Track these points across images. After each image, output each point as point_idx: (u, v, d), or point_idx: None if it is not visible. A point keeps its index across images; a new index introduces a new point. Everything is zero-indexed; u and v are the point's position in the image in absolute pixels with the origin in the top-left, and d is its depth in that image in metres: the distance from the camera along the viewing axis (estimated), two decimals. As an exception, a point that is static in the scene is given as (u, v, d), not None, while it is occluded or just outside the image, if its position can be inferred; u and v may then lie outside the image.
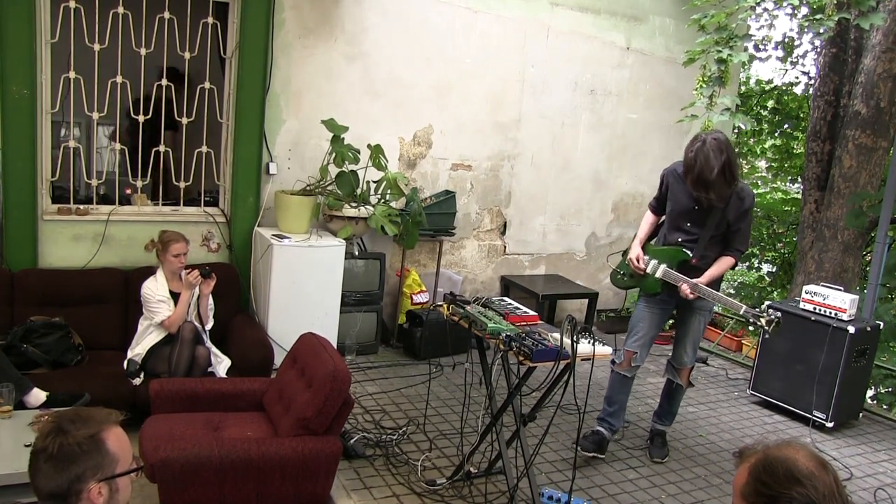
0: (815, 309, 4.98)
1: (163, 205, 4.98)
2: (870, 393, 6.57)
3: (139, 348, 4.03)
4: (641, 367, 4.31)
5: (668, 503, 3.82)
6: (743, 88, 9.67)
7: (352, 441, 3.84)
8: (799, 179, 9.66)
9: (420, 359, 5.32)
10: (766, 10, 5.82)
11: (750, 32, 6.49)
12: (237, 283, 4.78)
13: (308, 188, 5.02)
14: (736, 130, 9.21)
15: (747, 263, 10.16)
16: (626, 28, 6.43)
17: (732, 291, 10.31)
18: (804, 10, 6.95)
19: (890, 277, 6.48)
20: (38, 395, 3.55)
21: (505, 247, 6.34)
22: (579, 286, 6.40)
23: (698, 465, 4.26)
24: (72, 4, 4.39)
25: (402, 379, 5.02)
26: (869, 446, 4.80)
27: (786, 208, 9.70)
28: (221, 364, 4.11)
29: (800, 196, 7.99)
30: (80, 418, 1.67)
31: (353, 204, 5.01)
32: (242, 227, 5.04)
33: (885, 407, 6.44)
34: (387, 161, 5.07)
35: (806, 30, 8.26)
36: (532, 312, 3.46)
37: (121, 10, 4.51)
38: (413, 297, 5.62)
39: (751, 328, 6.55)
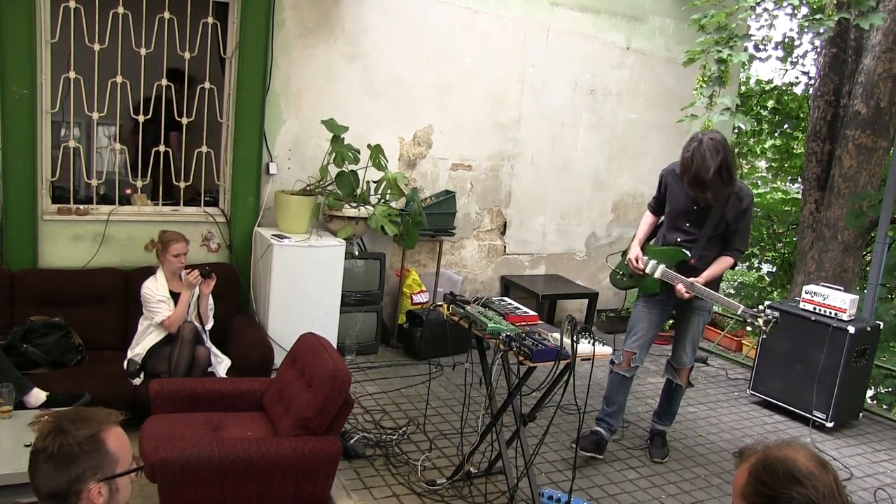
0: (815, 309, 4.98)
1: (163, 205, 4.98)
2: (870, 393, 6.57)
3: (139, 348, 4.03)
4: (641, 368, 4.31)
5: (668, 503, 3.82)
6: (743, 88, 9.66)
7: (352, 441, 3.84)
8: (799, 179, 9.66)
9: (420, 359, 5.32)
10: (766, 10, 5.82)
11: (750, 32, 6.49)
12: (237, 283, 4.78)
13: (308, 188, 5.02)
14: (736, 130, 9.21)
15: (747, 263, 10.16)
16: (626, 28, 6.43)
17: (732, 291, 10.31)
18: (804, 10, 6.96)
19: (890, 277, 6.48)
20: (38, 395, 3.55)
21: (505, 247, 6.34)
22: (579, 286, 6.40)
23: (698, 465, 4.27)
24: (72, 4, 4.39)
25: (402, 379, 5.02)
26: (869, 446, 4.80)
27: (786, 208, 9.70)
28: (221, 364, 4.11)
29: (800, 196, 7.99)
30: (80, 418, 1.67)
31: (353, 204, 5.01)
32: (242, 227, 5.04)
33: (885, 407, 6.44)
34: (387, 161, 5.07)
35: (806, 30, 8.27)
36: (532, 312, 3.46)
37: (121, 10, 4.51)
38: (413, 297, 5.62)
39: (748, 328, 6.54)
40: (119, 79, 4.60)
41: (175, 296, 4.07)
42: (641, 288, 4.13)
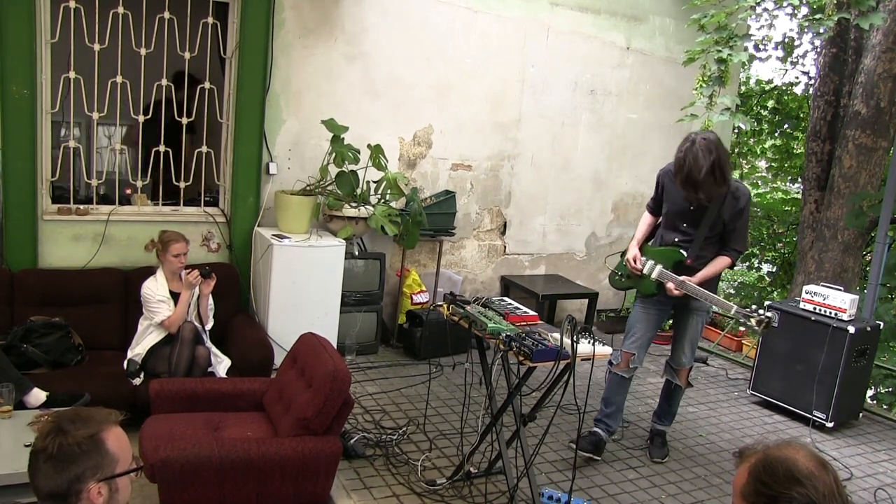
0: (815, 309, 4.98)
1: (163, 205, 4.98)
2: (870, 393, 6.57)
3: (139, 348, 4.03)
4: (641, 368, 4.31)
5: (668, 503, 3.82)
6: (743, 88, 9.67)
7: (352, 441, 3.84)
8: (799, 179, 9.66)
9: (420, 359, 5.32)
10: (766, 10, 5.82)
11: (750, 32, 6.49)
12: (237, 283, 4.78)
13: (308, 188, 5.02)
14: (736, 130, 9.21)
15: (747, 263, 10.16)
16: (626, 28, 6.43)
17: (732, 292, 10.31)
18: (804, 10, 6.96)
19: (890, 277, 6.48)
20: (38, 395, 3.55)
21: (505, 247, 6.34)
22: (579, 286, 6.40)
23: (698, 465, 4.26)
24: (72, 4, 4.39)
25: (402, 379, 5.02)
26: (869, 446, 4.80)
27: (786, 208, 9.71)
28: (221, 364, 4.11)
29: (800, 196, 7.99)
30: (79, 418, 1.67)
31: (353, 204, 5.01)
32: (242, 227, 5.04)
33: (885, 407, 6.44)
34: (387, 161, 5.07)
35: (806, 30, 8.28)
36: (532, 312, 3.46)
37: (121, 10, 4.51)
38: (413, 297, 5.62)
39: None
40: (119, 79, 4.60)
41: (175, 296, 4.07)
42: (639, 288, 4.13)
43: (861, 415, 5.20)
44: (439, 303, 3.76)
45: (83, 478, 1.62)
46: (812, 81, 9.03)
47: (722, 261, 3.96)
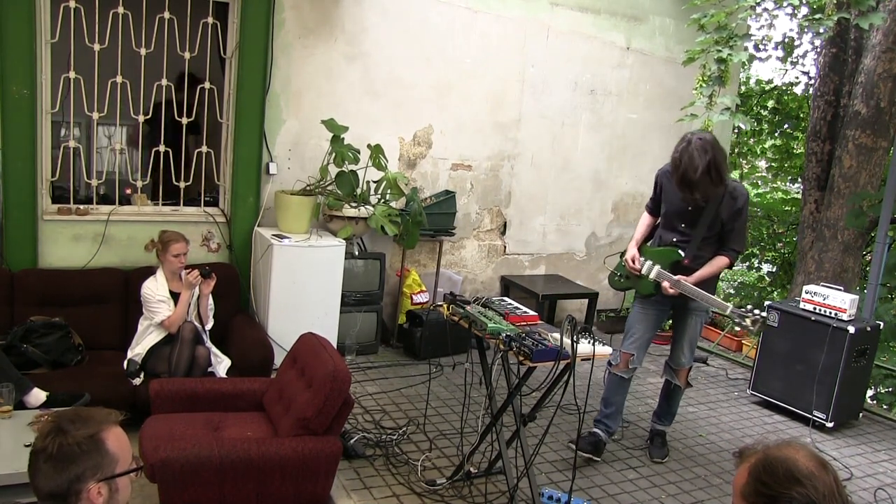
0: (815, 309, 4.98)
1: (163, 205, 4.98)
2: (870, 393, 6.57)
3: (139, 348, 4.03)
4: (641, 368, 4.30)
5: (668, 503, 3.82)
6: (743, 88, 9.67)
7: (352, 441, 3.84)
8: (799, 179, 9.66)
9: (420, 359, 5.32)
10: (766, 10, 5.82)
11: (750, 32, 6.49)
12: (237, 283, 4.78)
13: (308, 188, 5.02)
14: (736, 130, 9.21)
15: (747, 263, 10.16)
16: (626, 28, 6.43)
17: (732, 292, 10.31)
18: (804, 10, 6.96)
19: (890, 277, 6.48)
20: (38, 395, 3.55)
21: (505, 247, 6.34)
22: (579, 286, 6.40)
23: (698, 465, 4.26)
24: (72, 4, 4.39)
25: (402, 379, 5.02)
26: (869, 446, 4.80)
27: (786, 208, 9.70)
28: (221, 364, 4.11)
29: (800, 196, 7.99)
30: (79, 418, 1.67)
31: (353, 204, 5.01)
32: (242, 227, 5.04)
33: (885, 407, 6.44)
34: (387, 161, 5.07)
35: (806, 30, 8.27)
36: (532, 312, 3.46)
37: (121, 10, 4.51)
38: (413, 297, 5.62)
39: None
40: (119, 79, 4.60)
41: (175, 296, 4.07)
42: (637, 289, 4.12)
43: (861, 415, 5.20)
44: (439, 303, 3.76)
45: (83, 478, 1.62)
46: (812, 81, 9.03)
47: (720, 261, 3.95)
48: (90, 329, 4.23)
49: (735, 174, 11.09)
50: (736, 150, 10.35)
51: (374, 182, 5.09)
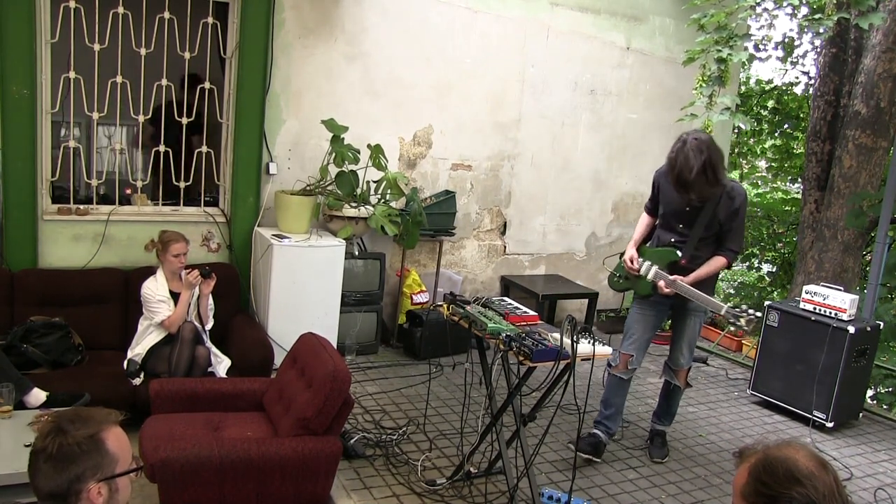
0: (815, 309, 4.98)
1: (163, 205, 4.98)
2: (870, 393, 6.57)
3: (139, 348, 4.03)
4: (641, 368, 4.30)
5: (668, 503, 3.82)
6: (743, 88, 9.67)
7: (352, 441, 3.84)
8: (799, 179, 9.66)
9: (420, 359, 5.32)
10: (766, 10, 5.82)
11: (750, 32, 6.49)
12: (237, 283, 4.78)
13: (308, 188, 5.02)
14: (736, 130, 9.21)
15: (747, 263, 10.16)
16: (626, 28, 6.43)
17: (732, 292, 10.31)
18: (804, 10, 6.96)
19: (890, 277, 6.48)
20: (38, 395, 3.55)
21: (505, 247, 6.34)
22: (579, 286, 6.40)
23: (698, 465, 4.26)
24: (72, 4, 4.39)
25: (402, 379, 5.02)
26: (869, 446, 4.80)
27: (786, 208, 9.71)
28: (221, 364, 4.11)
29: (800, 196, 7.99)
30: (79, 418, 1.67)
31: (353, 204, 5.01)
32: (242, 227, 5.04)
33: (885, 407, 6.44)
34: (387, 161, 5.07)
35: (806, 30, 8.28)
36: (532, 312, 3.46)
37: (121, 10, 4.51)
38: (413, 297, 5.62)
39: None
40: (119, 79, 4.60)
41: (175, 296, 4.07)
42: (636, 290, 4.12)
43: (861, 415, 5.20)
44: (439, 303, 3.76)
45: (83, 478, 1.62)
46: (812, 81, 9.03)
47: (717, 261, 3.94)
48: (90, 329, 4.23)
49: (735, 174, 11.10)
50: (736, 150, 10.35)
51: (374, 182, 5.10)
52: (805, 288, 5.13)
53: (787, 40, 9.48)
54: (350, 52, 5.31)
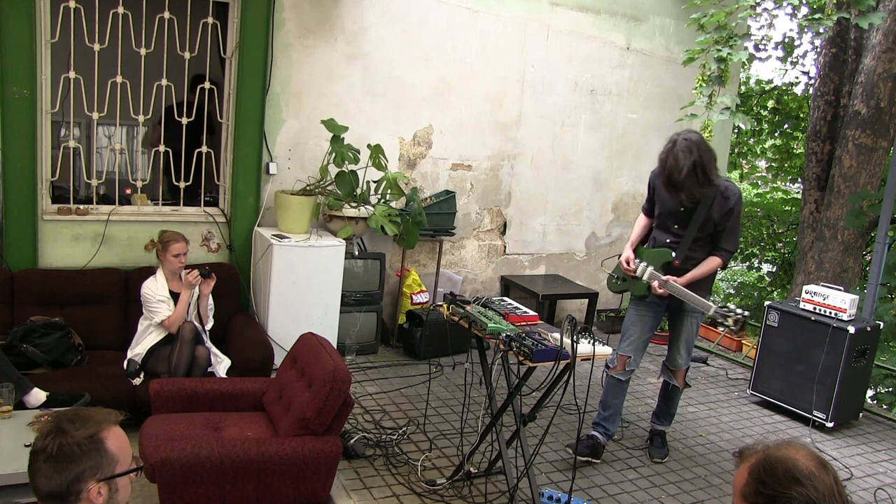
0: (815, 309, 4.98)
1: (163, 205, 4.98)
2: (870, 393, 6.57)
3: (139, 348, 4.03)
4: (641, 368, 4.30)
5: (668, 503, 3.82)
6: (743, 88, 9.67)
7: (352, 441, 3.84)
8: (799, 179, 9.67)
9: (420, 359, 5.32)
10: (766, 9, 5.82)
11: (750, 32, 6.49)
12: (237, 283, 4.79)
13: (308, 188, 5.02)
14: (736, 130, 9.21)
15: (747, 263, 10.16)
16: (626, 28, 6.43)
17: (732, 292, 10.31)
18: (804, 10, 6.96)
19: (890, 277, 6.48)
20: (38, 395, 3.55)
21: (505, 247, 6.34)
22: (579, 286, 6.40)
23: (698, 465, 4.26)
24: (72, 4, 4.40)
25: (402, 379, 5.02)
26: (869, 446, 4.80)
27: (786, 208, 9.71)
28: (221, 364, 4.11)
29: (800, 196, 7.99)
30: (79, 418, 1.67)
31: (353, 204, 5.02)
32: (242, 227, 5.04)
33: (885, 407, 6.44)
34: (387, 161, 5.07)
35: (806, 30, 8.28)
36: (532, 312, 3.46)
37: (121, 10, 4.51)
38: (413, 297, 5.62)
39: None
40: (119, 79, 4.60)
41: (175, 296, 4.07)
42: (632, 291, 4.12)
43: (861, 415, 5.20)
44: (439, 303, 3.76)
45: (83, 478, 1.62)
46: (812, 81, 9.04)
47: (712, 261, 3.93)
48: (90, 329, 4.24)
49: (735, 174, 11.11)
50: (736, 150, 10.35)
51: (374, 182, 5.10)
52: (805, 288, 5.13)
53: (787, 40, 9.48)
54: (350, 52, 5.31)
